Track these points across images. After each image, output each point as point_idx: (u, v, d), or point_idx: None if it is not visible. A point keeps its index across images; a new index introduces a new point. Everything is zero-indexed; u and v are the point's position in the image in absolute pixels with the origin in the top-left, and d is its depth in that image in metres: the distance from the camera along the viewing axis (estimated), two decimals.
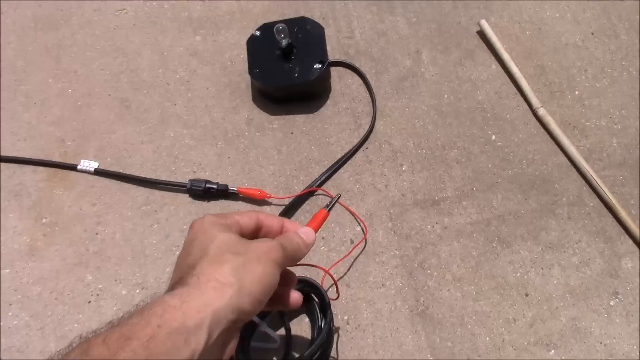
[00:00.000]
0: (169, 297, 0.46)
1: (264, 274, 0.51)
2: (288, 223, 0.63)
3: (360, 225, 0.94)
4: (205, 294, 0.47)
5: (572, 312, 0.89)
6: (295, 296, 0.64)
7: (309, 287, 0.84)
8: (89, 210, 0.95)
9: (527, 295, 0.90)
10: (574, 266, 0.92)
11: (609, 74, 1.07)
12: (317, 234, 0.65)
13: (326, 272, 0.82)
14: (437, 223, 0.95)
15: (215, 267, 0.49)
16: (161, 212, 0.95)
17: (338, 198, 0.72)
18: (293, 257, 0.58)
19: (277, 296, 0.60)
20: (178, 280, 0.49)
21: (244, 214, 0.59)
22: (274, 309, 0.66)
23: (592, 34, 1.11)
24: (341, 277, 0.91)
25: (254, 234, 0.60)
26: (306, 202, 0.96)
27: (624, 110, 1.04)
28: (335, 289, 0.85)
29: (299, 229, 0.62)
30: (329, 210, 0.69)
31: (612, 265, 0.92)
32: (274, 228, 0.62)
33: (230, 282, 0.48)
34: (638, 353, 0.86)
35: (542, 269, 0.92)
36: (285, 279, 0.63)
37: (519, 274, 0.91)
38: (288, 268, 0.64)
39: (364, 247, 0.93)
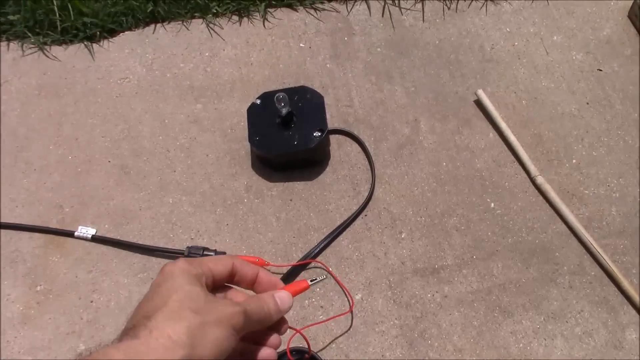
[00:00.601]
0: (114, 350, 0.44)
1: (219, 339, 0.48)
2: (263, 274, 0.60)
3: (347, 298, 0.93)
4: (154, 351, 0.45)
5: None
6: (267, 353, 0.59)
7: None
8: (85, 277, 0.94)
9: None
10: (577, 337, 0.90)
11: (606, 142, 1.08)
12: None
13: (297, 330, 0.77)
14: (437, 292, 0.94)
15: (171, 322, 0.47)
16: None
17: (324, 279, 0.71)
18: (259, 323, 0.55)
19: (242, 354, 0.57)
20: (130, 328, 0.47)
21: (218, 262, 0.57)
22: None
23: (588, 103, 1.13)
24: (338, 347, 0.89)
25: (228, 280, 0.57)
26: (304, 271, 0.95)
27: (622, 178, 1.05)
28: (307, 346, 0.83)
29: (277, 292, 0.59)
30: (311, 284, 0.67)
31: (616, 336, 0.91)
32: (247, 277, 0.59)
33: (184, 342, 0.46)
34: None
35: (545, 339, 0.90)
36: (259, 336, 0.60)
37: (521, 345, 0.90)
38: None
39: (364, 316, 0.91)
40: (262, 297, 0.56)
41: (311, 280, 0.66)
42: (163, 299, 0.48)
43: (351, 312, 0.91)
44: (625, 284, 0.93)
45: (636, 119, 1.11)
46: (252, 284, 0.58)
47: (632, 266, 0.96)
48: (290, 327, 0.61)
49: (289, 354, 0.78)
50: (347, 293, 0.93)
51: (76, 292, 0.92)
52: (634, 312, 0.93)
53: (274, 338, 0.57)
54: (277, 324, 0.58)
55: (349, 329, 0.90)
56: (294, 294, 0.61)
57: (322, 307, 0.92)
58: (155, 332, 0.46)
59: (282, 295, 0.58)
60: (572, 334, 0.91)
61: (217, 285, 0.54)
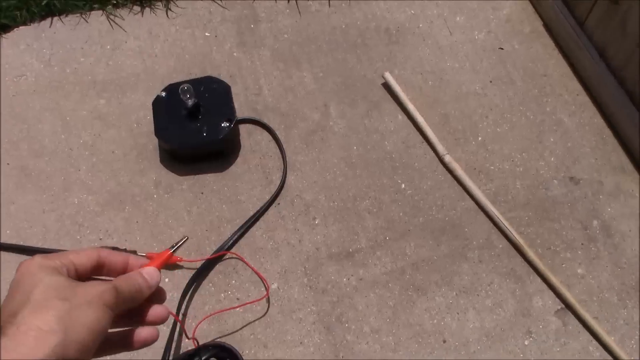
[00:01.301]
0: None
1: (93, 320, 0.47)
2: (133, 259, 0.59)
3: (263, 283, 0.93)
4: (24, 345, 0.43)
5: (489, 355, 0.90)
6: (147, 331, 0.58)
7: (224, 352, 0.82)
8: None
9: (444, 341, 0.90)
10: (488, 309, 0.93)
11: (509, 119, 1.12)
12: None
13: (176, 318, 0.75)
14: (352, 275, 0.95)
15: (38, 314, 0.45)
16: None
17: (185, 240, 0.71)
18: (132, 299, 0.53)
19: (120, 336, 0.55)
20: None
21: (81, 253, 0.55)
22: (113, 352, 0.59)
23: (491, 81, 1.16)
24: (258, 338, 0.89)
25: (96, 272, 0.56)
26: (219, 264, 0.94)
27: (525, 153, 1.08)
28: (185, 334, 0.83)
29: (143, 269, 0.59)
30: (173, 252, 0.66)
31: (524, 304, 0.94)
32: (117, 266, 0.57)
33: (54, 330, 0.45)
34: None
35: (458, 313, 0.93)
36: (141, 315, 0.58)
37: (435, 321, 0.92)
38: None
39: (280, 304, 0.91)
40: (130, 274, 0.54)
41: (171, 248, 0.65)
42: (25, 295, 0.46)
43: (267, 298, 0.91)
44: (531, 254, 0.97)
45: (536, 95, 1.15)
46: (123, 273, 0.57)
47: (536, 236, 1.00)
48: (172, 314, 0.61)
49: (194, 340, 0.77)
50: (263, 280, 0.92)
51: None
52: (539, 280, 0.97)
53: (155, 310, 0.55)
54: (157, 298, 0.57)
55: (263, 316, 0.90)
56: (159, 267, 0.59)
57: (238, 299, 0.91)
58: (23, 327, 0.44)
59: (149, 270, 0.56)
60: (483, 306, 0.94)
61: (82, 278, 0.52)
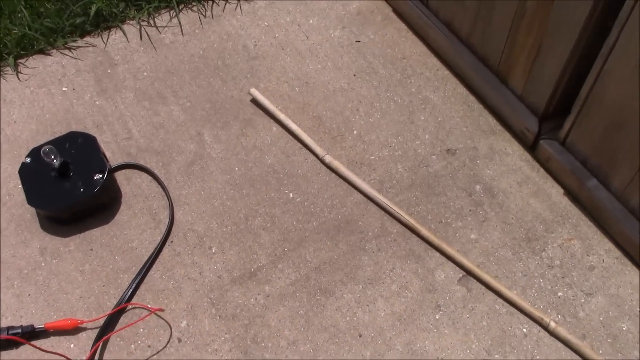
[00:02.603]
0: None
1: None
2: None
3: (170, 328, 0.92)
4: None
5: (405, 338, 0.92)
6: None
7: None
8: None
9: (360, 335, 0.92)
10: (395, 293, 0.96)
11: (378, 107, 1.15)
12: None
13: None
14: (259, 294, 0.95)
15: None
16: None
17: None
18: None
19: None
20: None
21: None
22: None
23: (355, 75, 1.20)
24: None
25: None
26: (123, 316, 0.92)
27: (400, 136, 1.12)
28: None
29: None
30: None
31: (428, 281, 0.97)
32: None
33: None
34: (472, 356, 0.91)
35: (368, 305, 0.95)
36: None
37: (348, 318, 0.93)
38: None
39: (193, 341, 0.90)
40: None
41: None
42: None
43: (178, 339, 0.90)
44: (424, 231, 1.01)
45: (400, 79, 1.19)
46: None
47: (426, 213, 1.04)
48: None
49: None
50: (168, 324, 0.91)
51: None
52: (437, 254, 1.00)
53: None
54: None
55: (178, 357, 0.89)
56: None
57: (149, 346, 0.90)
58: None
59: None
60: (390, 292, 0.96)
61: None
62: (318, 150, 1.08)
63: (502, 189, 1.06)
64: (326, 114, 1.14)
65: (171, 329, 0.91)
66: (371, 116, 1.14)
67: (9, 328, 0.88)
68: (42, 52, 1.18)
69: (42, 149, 0.94)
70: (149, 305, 0.93)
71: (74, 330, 0.90)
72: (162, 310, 0.88)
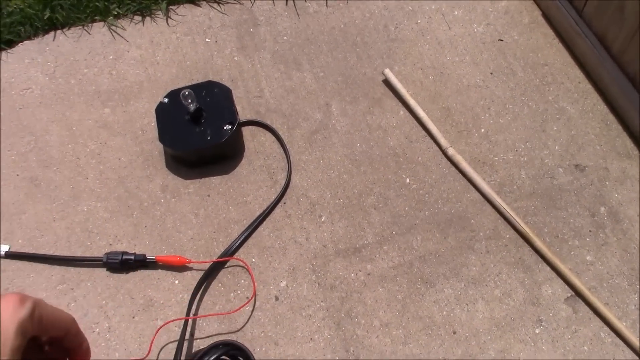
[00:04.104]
0: None
1: None
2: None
3: (249, 285, 0.93)
4: None
5: (499, 345, 0.90)
6: None
7: (234, 351, 0.82)
8: (4, 289, 0.91)
9: (454, 332, 0.90)
10: (497, 299, 0.93)
11: (511, 109, 1.12)
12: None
13: None
14: (360, 270, 0.95)
15: None
16: (78, 289, 0.92)
17: None
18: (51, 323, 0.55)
19: None
20: None
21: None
22: None
23: (491, 73, 1.17)
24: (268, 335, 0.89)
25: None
26: (228, 264, 0.95)
27: (528, 142, 1.08)
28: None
29: None
30: None
31: (533, 293, 0.94)
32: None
33: None
34: None
35: (467, 304, 0.93)
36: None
37: (445, 313, 0.92)
38: None
39: (290, 303, 0.92)
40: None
41: None
42: None
43: (254, 298, 0.92)
44: (538, 243, 0.97)
45: (538, 85, 1.15)
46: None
47: (543, 225, 1.00)
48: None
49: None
50: (254, 288, 0.93)
51: None
52: (548, 269, 0.97)
53: None
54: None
55: (273, 314, 0.91)
56: None
57: (247, 297, 0.92)
58: None
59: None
60: (492, 296, 0.94)
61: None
62: (442, 141, 1.07)
63: (628, 216, 1.01)
64: (456, 107, 1.12)
65: (271, 286, 0.93)
66: (502, 117, 1.11)
67: (123, 253, 0.92)
68: (192, 2, 1.22)
69: (182, 92, 0.97)
70: (252, 261, 0.95)
71: (180, 267, 0.94)
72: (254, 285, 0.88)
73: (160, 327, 0.87)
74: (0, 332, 0.48)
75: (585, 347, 0.90)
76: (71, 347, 0.60)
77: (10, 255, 0.93)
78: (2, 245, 0.94)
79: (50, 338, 0.57)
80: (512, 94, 1.14)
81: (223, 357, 0.82)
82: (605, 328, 0.92)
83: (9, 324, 0.49)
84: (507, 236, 0.99)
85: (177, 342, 0.85)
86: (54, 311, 0.56)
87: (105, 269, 0.93)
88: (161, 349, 0.87)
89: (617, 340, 0.91)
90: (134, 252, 0.93)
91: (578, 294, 0.94)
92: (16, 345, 0.49)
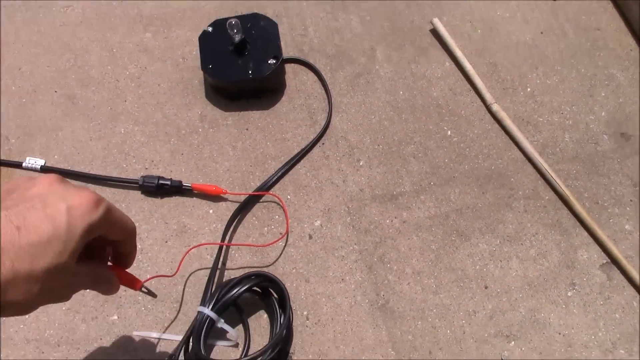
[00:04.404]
0: None
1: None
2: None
3: (282, 224, 0.92)
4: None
5: (530, 304, 0.89)
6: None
7: (266, 282, 0.82)
8: None
9: (486, 287, 0.90)
10: (531, 258, 0.92)
11: (559, 71, 1.09)
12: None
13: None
14: (395, 217, 0.94)
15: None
16: None
17: (154, 297, 0.75)
18: (115, 224, 0.56)
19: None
20: None
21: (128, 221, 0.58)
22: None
23: (542, 33, 1.13)
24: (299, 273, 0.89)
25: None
26: (261, 200, 0.94)
27: (575, 106, 1.06)
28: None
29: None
30: (141, 289, 0.67)
31: (569, 256, 0.93)
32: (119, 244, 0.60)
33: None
34: (595, 343, 0.87)
35: (501, 261, 0.92)
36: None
37: (478, 267, 0.91)
38: None
39: (323, 242, 0.91)
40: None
41: (144, 287, 0.68)
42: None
43: (286, 237, 0.91)
44: (578, 207, 0.95)
45: (588, 49, 1.12)
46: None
47: (583, 190, 0.98)
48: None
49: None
50: (287, 224, 0.92)
51: None
52: (585, 234, 0.95)
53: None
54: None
55: (305, 251, 0.90)
56: (124, 278, 0.64)
57: (280, 233, 0.91)
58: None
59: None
60: (527, 256, 0.92)
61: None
62: (487, 96, 1.04)
63: None
64: (503, 64, 1.09)
65: (305, 224, 0.92)
66: (549, 78, 1.08)
67: (159, 177, 0.91)
68: None
69: (229, 21, 0.95)
70: (288, 198, 0.94)
71: (215, 197, 0.92)
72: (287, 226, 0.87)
73: (192, 247, 0.86)
74: (67, 231, 0.47)
75: (617, 315, 0.89)
76: (125, 252, 0.60)
77: (45, 169, 0.92)
78: (38, 160, 0.93)
79: (110, 240, 0.57)
80: (562, 56, 1.11)
81: (255, 288, 0.82)
82: (639, 298, 0.91)
83: (79, 225, 0.48)
84: (547, 197, 0.97)
85: (208, 270, 0.85)
86: (122, 217, 0.55)
87: (140, 192, 0.93)
88: (190, 274, 0.87)
89: None
90: (170, 177, 0.92)
91: (614, 261, 0.93)
92: (79, 246, 0.48)
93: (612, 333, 0.87)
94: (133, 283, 0.64)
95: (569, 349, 0.86)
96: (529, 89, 1.07)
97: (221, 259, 0.87)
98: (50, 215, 0.46)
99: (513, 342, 0.86)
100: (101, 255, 0.61)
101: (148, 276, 0.85)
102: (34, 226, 0.45)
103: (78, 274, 0.52)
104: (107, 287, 0.59)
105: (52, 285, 0.47)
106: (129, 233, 0.58)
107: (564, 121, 1.04)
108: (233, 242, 0.89)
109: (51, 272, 0.46)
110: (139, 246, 0.88)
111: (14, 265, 0.44)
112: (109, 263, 0.63)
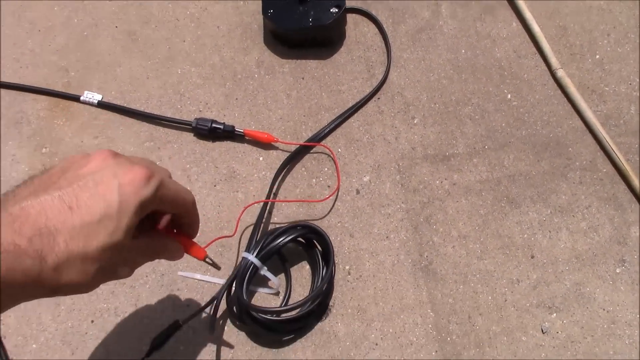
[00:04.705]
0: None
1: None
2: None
3: (333, 180, 0.92)
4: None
5: (577, 277, 0.87)
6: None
7: (311, 234, 0.82)
8: (90, 143, 0.92)
9: (532, 257, 0.88)
10: (582, 231, 0.90)
11: (632, 39, 1.04)
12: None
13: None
14: (446, 179, 0.92)
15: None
16: (164, 149, 0.92)
17: (218, 268, 0.70)
18: (172, 200, 0.55)
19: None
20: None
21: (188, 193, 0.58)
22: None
23: None
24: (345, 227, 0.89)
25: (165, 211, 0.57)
26: (314, 150, 0.93)
27: None
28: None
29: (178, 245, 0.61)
30: (205, 259, 0.66)
31: (621, 232, 0.90)
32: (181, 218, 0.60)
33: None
34: (638, 321, 0.85)
35: (550, 231, 0.90)
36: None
37: (525, 236, 0.89)
38: None
39: (370, 198, 0.90)
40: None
41: (208, 258, 0.65)
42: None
43: (337, 193, 0.90)
44: (636, 182, 0.92)
45: None
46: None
47: None
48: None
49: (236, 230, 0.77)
50: (337, 180, 0.91)
51: None
52: None
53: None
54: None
55: (352, 206, 0.90)
56: (188, 247, 0.63)
57: (329, 186, 0.91)
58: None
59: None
60: (578, 228, 0.90)
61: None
62: (553, 61, 1.00)
63: None
64: (573, 28, 1.05)
65: (353, 179, 0.92)
66: (621, 46, 1.04)
67: (212, 121, 0.91)
68: None
69: None
70: (339, 151, 0.93)
71: (266, 145, 0.93)
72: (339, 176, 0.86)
73: (247, 206, 0.87)
74: (119, 209, 0.47)
75: None
76: (185, 223, 0.60)
77: (102, 105, 0.94)
78: (95, 94, 0.94)
79: (168, 212, 0.57)
80: (636, 23, 1.06)
81: (299, 238, 0.83)
82: None
83: (131, 202, 0.48)
84: (604, 170, 0.94)
85: (255, 217, 0.86)
86: (177, 191, 0.55)
87: (192, 134, 0.93)
88: (243, 230, 0.88)
89: None
90: (223, 121, 0.92)
91: None
92: (132, 223, 0.49)
93: None
94: (197, 253, 0.64)
95: (612, 326, 0.85)
96: (597, 56, 1.03)
97: (268, 208, 0.87)
98: (102, 194, 0.46)
99: (555, 314, 0.85)
100: (164, 225, 0.61)
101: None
102: (86, 206, 0.45)
103: (136, 250, 0.53)
104: (170, 256, 0.60)
105: (108, 263, 0.48)
106: (186, 206, 0.58)
107: (631, 92, 1.00)
108: (281, 192, 0.90)
109: (106, 250, 0.46)
110: (188, 188, 0.89)
111: (68, 245, 0.44)
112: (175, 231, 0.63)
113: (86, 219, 0.45)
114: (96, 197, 0.46)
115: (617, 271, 0.88)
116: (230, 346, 0.80)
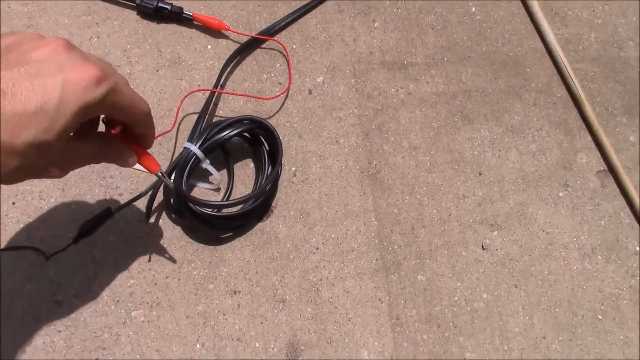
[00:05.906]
0: None
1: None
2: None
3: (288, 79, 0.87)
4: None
5: (521, 197, 0.87)
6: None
7: (260, 130, 0.77)
8: (19, 10, 0.83)
9: (480, 174, 0.87)
10: (530, 153, 0.89)
11: None
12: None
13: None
14: (401, 87, 0.89)
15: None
16: (103, 25, 0.84)
17: (170, 185, 0.66)
18: (125, 107, 0.50)
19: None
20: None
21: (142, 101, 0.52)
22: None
23: None
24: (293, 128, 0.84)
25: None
26: (266, 44, 0.88)
27: (607, 6, 1.00)
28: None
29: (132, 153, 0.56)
30: (157, 173, 0.60)
31: (568, 158, 0.90)
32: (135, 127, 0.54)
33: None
34: (576, 245, 0.86)
35: (500, 150, 0.89)
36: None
37: (476, 152, 0.88)
38: None
39: (322, 100, 0.86)
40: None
41: (161, 172, 0.60)
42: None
43: (288, 91, 0.86)
44: (588, 109, 0.92)
45: None
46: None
47: (597, 94, 0.94)
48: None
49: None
50: (289, 78, 0.86)
51: (7, 26, 0.82)
52: (589, 138, 0.92)
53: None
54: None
55: (303, 107, 0.85)
56: (140, 157, 0.58)
57: (280, 83, 0.86)
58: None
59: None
60: (527, 150, 0.90)
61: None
62: None
63: None
64: None
65: (306, 78, 0.87)
66: None
67: (159, 0, 0.84)
68: None
69: None
70: (293, 47, 0.88)
71: (216, 33, 0.86)
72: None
73: (190, 92, 0.81)
74: (56, 107, 0.41)
75: (602, 222, 0.88)
76: (139, 133, 0.54)
77: None
78: None
79: (120, 121, 0.52)
80: None
81: (246, 134, 0.78)
82: (627, 209, 0.90)
83: (72, 102, 0.41)
84: (559, 95, 0.93)
85: (200, 107, 0.80)
86: (132, 99, 0.49)
87: (136, 12, 0.85)
88: (183, 118, 0.82)
89: (636, 224, 0.89)
90: (170, 1, 0.85)
91: (611, 169, 0.91)
92: (70, 126, 0.42)
93: (594, 238, 0.87)
94: (151, 165, 0.58)
95: (549, 247, 0.85)
96: None
97: (214, 100, 0.82)
98: (42, 86, 0.40)
99: (496, 232, 0.85)
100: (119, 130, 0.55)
101: None
102: (22, 94, 0.39)
103: (73, 152, 0.47)
104: (122, 162, 0.54)
105: (35, 161, 0.42)
106: (141, 115, 0.52)
107: (593, 19, 0.98)
108: (229, 84, 0.84)
109: (33, 148, 0.40)
110: (127, 70, 0.82)
111: None
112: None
113: (18, 109, 0.39)
114: (35, 88, 0.40)
115: (560, 195, 0.88)
116: (165, 240, 0.76)
